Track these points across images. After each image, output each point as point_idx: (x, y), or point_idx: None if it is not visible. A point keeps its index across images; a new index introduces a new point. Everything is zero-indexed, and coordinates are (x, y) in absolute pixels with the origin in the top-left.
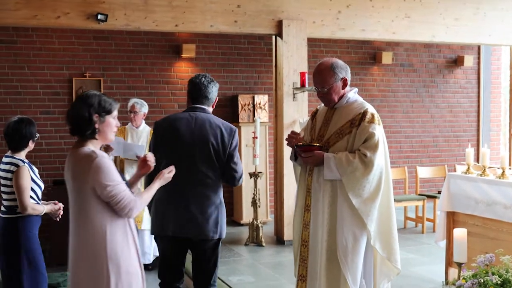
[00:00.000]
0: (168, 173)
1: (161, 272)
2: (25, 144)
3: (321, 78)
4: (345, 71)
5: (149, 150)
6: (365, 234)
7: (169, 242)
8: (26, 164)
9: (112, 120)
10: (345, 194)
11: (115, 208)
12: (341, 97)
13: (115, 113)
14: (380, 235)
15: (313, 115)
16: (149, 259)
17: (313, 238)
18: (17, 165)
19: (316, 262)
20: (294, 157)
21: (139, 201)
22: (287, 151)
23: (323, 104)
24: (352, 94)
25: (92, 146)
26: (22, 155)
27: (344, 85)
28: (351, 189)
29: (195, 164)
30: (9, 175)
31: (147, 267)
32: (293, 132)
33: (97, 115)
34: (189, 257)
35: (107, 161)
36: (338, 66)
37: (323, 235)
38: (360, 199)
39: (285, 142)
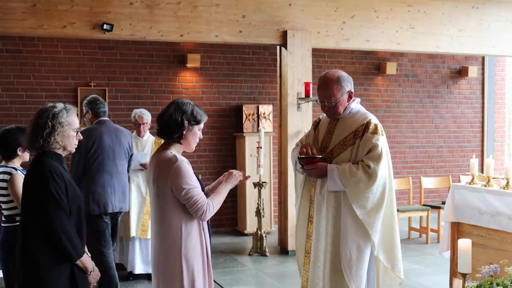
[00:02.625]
0: (239, 175)
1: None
2: (14, 153)
3: (329, 92)
4: (350, 83)
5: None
6: (369, 245)
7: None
8: (19, 172)
9: (198, 131)
10: (349, 206)
11: (190, 210)
12: (344, 108)
13: (202, 125)
14: (383, 245)
15: (316, 124)
16: None
17: (315, 249)
18: (10, 173)
19: (318, 274)
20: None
21: (212, 204)
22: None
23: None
24: (355, 104)
25: (175, 151)
26: (15, 163)
27: (350, 97)
28: (355, 200)
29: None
30: (4, 184)
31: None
32: (307, 146)
33: (187, 122)
34: None
35: (186, 165)
36: (344, 79)
37: (326, 247)
38: (364, 210)
39: (289, 152)
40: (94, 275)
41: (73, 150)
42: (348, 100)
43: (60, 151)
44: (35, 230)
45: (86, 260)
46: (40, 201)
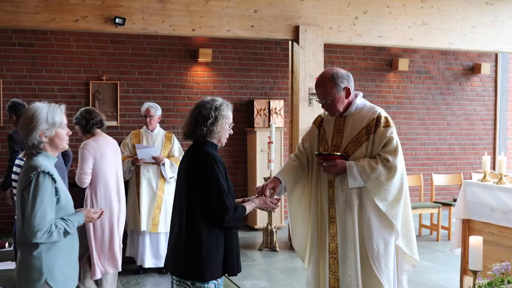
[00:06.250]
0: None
1: None
2: None
3: (323, 90)
4: (347, 80)
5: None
6: (393, 236)
7: None
8: None
9: None
10: (371, 200)
11: None
12: (348, 105)
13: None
14: (403, 233)
15: (319, 124)
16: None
17: (342, 248)
18: None
19: (349, 272)
20: (284, 189)
21: None
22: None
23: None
24: (359, 99)
25: None
26: None
27: (348, 94)
28: (377, 194)
29: None
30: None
31: (161, 270)
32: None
33: None
34: None
35: None
36: (339, 76)
37: (355, 244)
38: (386, 202)
39: None
40: (263, 203)
41: (223, 144)
42: (347, 97)
43: (215, 141)
44: (200, 210)
45: (249, 208)
46: (207, 184)
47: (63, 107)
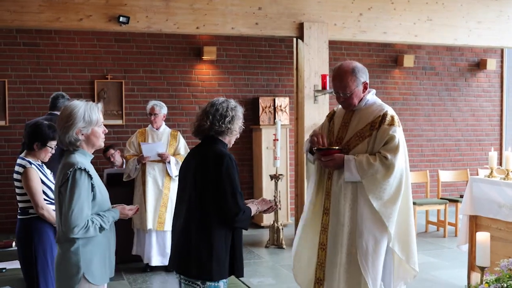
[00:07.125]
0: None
1: None
2: (30, 146)
3: (344, 83)
4: (365, 74)
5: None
6: (385, 237)
7: None
8: (33, 166)
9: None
10: (365, 197)
11: None
12: (360, 100)
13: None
14: (399, 237)
15: (331, 116)
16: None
17: (332, 241)
18: (24, 167)
19: (335, 266)
20: (310, 150)
21: None
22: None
23: (340, 106)
24: (370, 96)
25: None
26: (32, 157)
27: (365, 88)
28: (372, 192)
29: None
30: (18, 177)
31: (168, 268)
32: (318, 136)
33: None
34: None
35: None
36: (359, 70)
37: (343, 239)
38: (380, 201)
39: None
40: (264, 205)
41: (231, 145)
42: (363, 92)
43: (226, 141)
44: (212, 209)
45: (253, 211)
46: (221, 183)
47: (100, 105)
